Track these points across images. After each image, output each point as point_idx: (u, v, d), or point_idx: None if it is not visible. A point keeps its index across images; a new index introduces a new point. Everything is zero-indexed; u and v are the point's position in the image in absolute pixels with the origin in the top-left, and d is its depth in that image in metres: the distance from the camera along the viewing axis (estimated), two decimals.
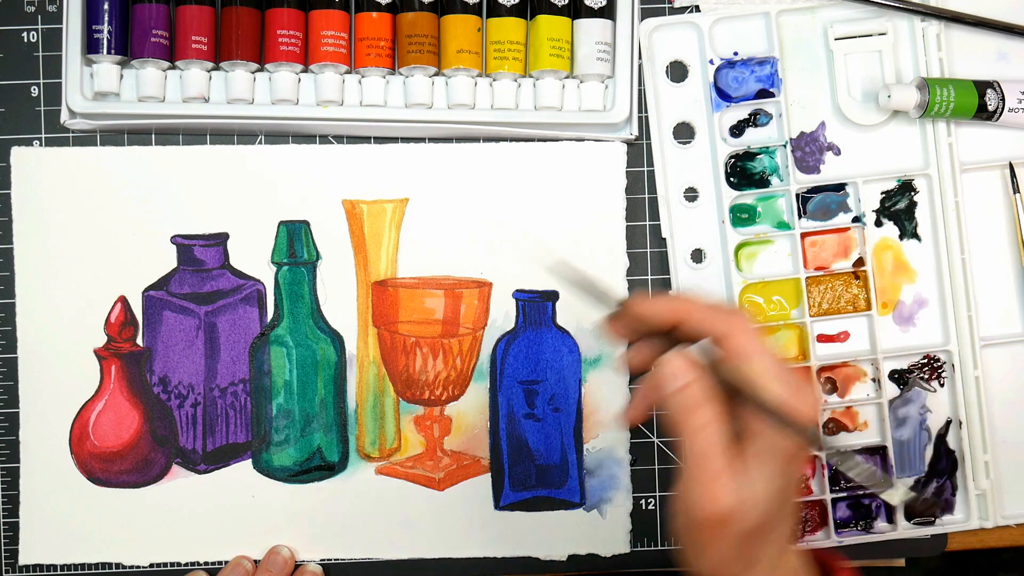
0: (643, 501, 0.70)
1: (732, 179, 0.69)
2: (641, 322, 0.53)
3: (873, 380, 0.70)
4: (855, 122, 0.69)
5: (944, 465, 0.70)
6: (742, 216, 0.69)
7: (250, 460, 0.69)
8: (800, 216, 0.69)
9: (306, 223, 0.69)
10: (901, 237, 0.70)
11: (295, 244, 0.68)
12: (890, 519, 0.70)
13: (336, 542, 0.69)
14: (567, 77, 0.68)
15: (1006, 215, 0.70)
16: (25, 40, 0.68)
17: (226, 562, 0.68)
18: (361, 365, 0.69)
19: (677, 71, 0.70)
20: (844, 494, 0.69)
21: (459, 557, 0.69)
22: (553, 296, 0.69)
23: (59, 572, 0.69)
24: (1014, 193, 0.69)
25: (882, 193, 0.70)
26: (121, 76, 0.67)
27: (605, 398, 0.69)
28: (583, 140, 0.69)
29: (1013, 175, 0.69)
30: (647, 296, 0.52)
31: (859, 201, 0.69)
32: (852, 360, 0.69)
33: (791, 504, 0.52)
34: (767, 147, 0.69)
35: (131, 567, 0.69)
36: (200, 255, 0.68)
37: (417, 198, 0.69)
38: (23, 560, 0.68)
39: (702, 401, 0.50)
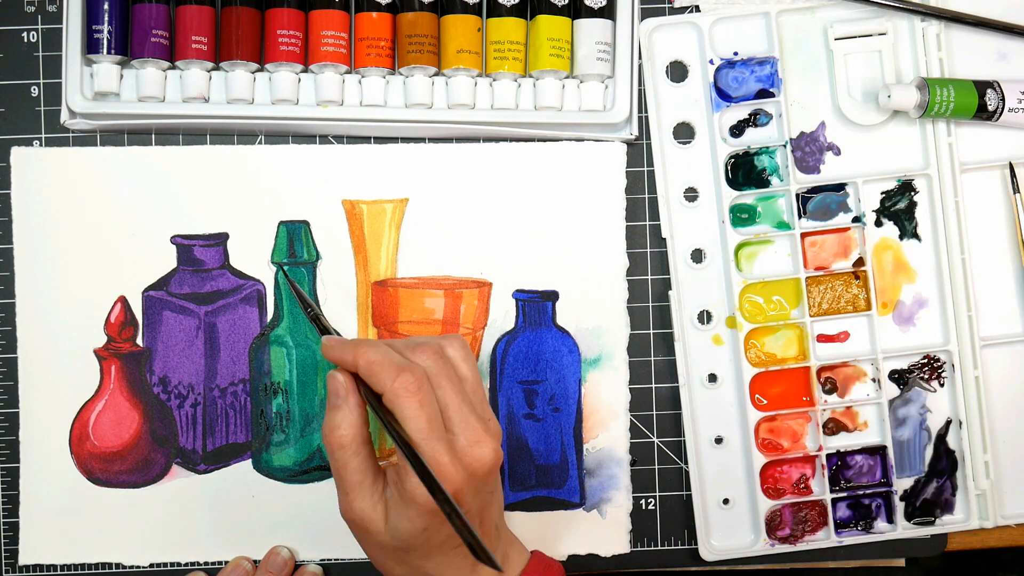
0: (643, 501, 0.70)
1: (734, 179, 0.69)
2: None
3: (873, 380, 0.70)
4: (855, 122, 0.69)
5: (944, 465, 0.70)
6: (742, 216, 0.69)
7: (250, 460, 0.69)
8: (800, 216, 0.69)
9: (306, 223, 0.69)
10: (901, 237, 0.70)
11: (295, 244, 0.68)
12: (890, 519, 0.70)
13: (336, 542, 0.69)
14: (567, 77, 0.68)
15: (1006, 215, 0.70)
16: (25, 40, 0.68)
17: (226, 562, 0.68)
18: None
19: (677, 71, 0.70)
20: (844, 494, 0.69)
21: None
22: (553, 296, 0.69)
23: (59, 572, 0.69)
24: (1014, 193, 0.69)
25: (882, 193, 0.70)
26: (121, 76, 0.67)
27: (605, 398, 0.69)
28: (583, 140, 0.69)
29: (1013, 175, 0.69)
30: (338, 341, 0.58)
31: (859, 201, 0.69)
32: (852, 360, 0.69)
33: (455, 536, 0.55)
34: (767, 147, 0.69)
35: (131, 567, 0.69)
36: (200, 255, 0.68)
37: (417, 198, 0.69)
38: (23, 560, 0.68)
39: (347, 423, 0.56)
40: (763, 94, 0.69)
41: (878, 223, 0.70)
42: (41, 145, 0.69)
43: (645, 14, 0.69)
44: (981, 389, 0.69)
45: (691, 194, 0.70)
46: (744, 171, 0.69)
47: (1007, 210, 0.70)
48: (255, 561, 0.68)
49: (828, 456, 0.69)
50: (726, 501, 0.70)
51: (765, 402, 0.69)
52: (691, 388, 0.69)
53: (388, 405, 0.55)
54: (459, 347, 0.58)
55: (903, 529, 0.70)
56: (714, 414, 0.70)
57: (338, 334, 0.61)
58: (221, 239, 0.68)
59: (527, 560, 0.61)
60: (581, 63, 0.67)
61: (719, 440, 0.70)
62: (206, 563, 0.69)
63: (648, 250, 0.70)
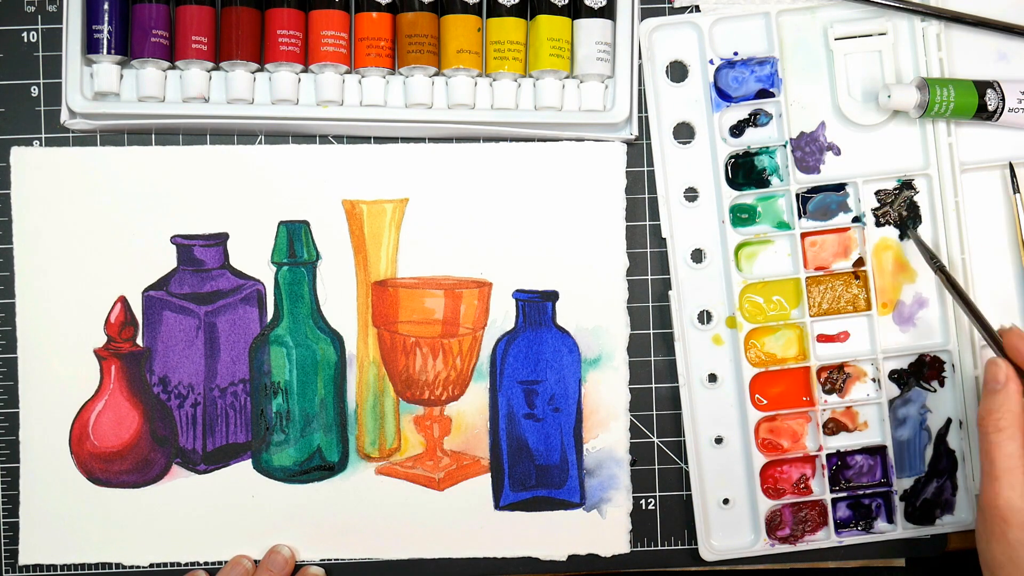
0: (643, 501, 0.70)
1: (734, 179, 0.69)
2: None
3: (873, 380, 0.70)
4: (855, 122, 0.69)
5: (944, 465, 0.70)
6: (742, 216, 0.69)
7: (250, 460, 0.69)
8: (800, 216, 0.69)
9: (306, 223, 0.69)
10: (901, 237, 0.70)
11: (295, 244, 0.68)
12: (890, 519, 0.70)
13: (336, 542, 0.69)
14: (567, 77, 0.68)
15: (1006, 215, 0.70)
16: (25, 40, 0.68)
17: (226, 562, 0.68)
18: (361, 365, 0.69)
19: (677, 71, 0.70)
20: (844, 494, 0.69)
21: (459, 557, 0.69)
22: (553, 296, 0.69)
23: (59, 572, 0.69)
24: (1014, 193, 0.69)
25: (882, 192, 0.70)
26: (121, 76, 0.67)
27: (605, 398, 0.69)
28: (583, 140, 0.69)
29: (1013, 175, 0.69)
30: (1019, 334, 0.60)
31: (859, 201, 0.69)
32: (852, 360, 0.69)
33: None
34: (767, 147, 0.69)
35: (131, 567, 0.69)
36: (200, 255, 0.68)
37: (417, 198, 0.69)
38: (23, 560, 0.68)
39: (1007, 408, 0.57)
40: (763, 94, 0.69)
41: (878, 223, 0.70)
42: (41, 145, 0.69)
43: (645, 14, 0.69)
44: (981, 389, 0.69)
45: (691, 194, 0.70)
46: (744, 171, 0.69)
47: (1007, 210, 0.70)
48: (255, 561, 0.68)
49: (828, 456, 0.69)
50: (726, 501, 0.70)
51: (765, 402, 0.69)
52: (691, 388, 0.69)
53: None
54: None
55: (903, 529, 0.70)
56: (714, 414, 0.70)
57: None
58: (221, 239, 0.68)
59: None
60: (581, 63, 0.67)
61: (719, 440, 0.70)
62: (206, 563, 0.69)
63: (648, 250, 0.70)
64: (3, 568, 0.68)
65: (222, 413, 0.69)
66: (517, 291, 0.69)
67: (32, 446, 0.68)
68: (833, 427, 0.70)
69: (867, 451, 0.70)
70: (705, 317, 0.70)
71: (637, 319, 0.70)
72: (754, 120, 0.69)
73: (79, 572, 0.69)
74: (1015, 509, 0.56)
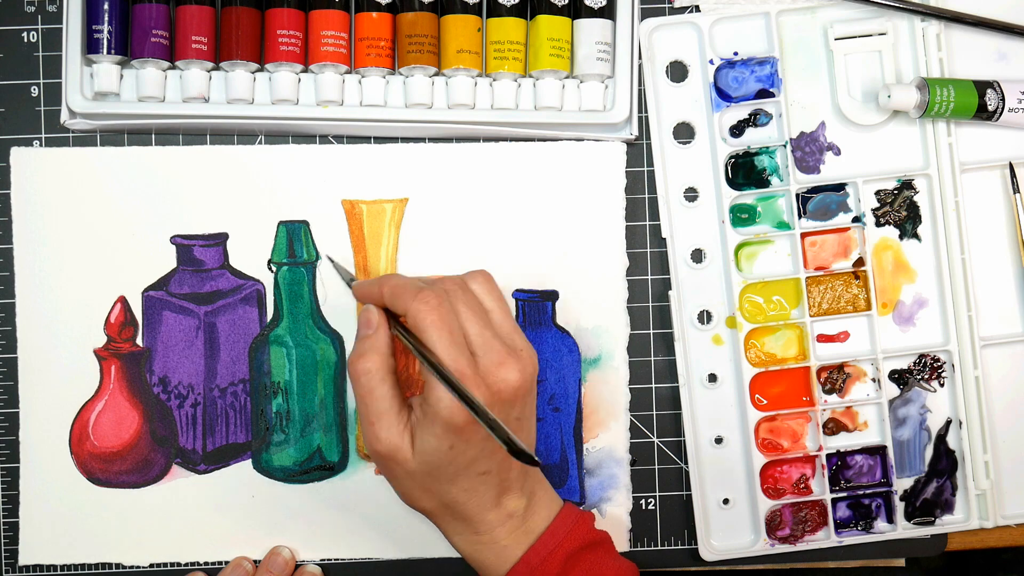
0: (643, 501, 0.70)
1: (734, 179, 0.69)
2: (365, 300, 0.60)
3: (873, 380, 0.70)
4: (855, 122, 0.69)
5: (944, 465, 0.70)
6: (742, 216, 0.69)
7: (250, 460, 0.69)
8: (800, 216, 0.69)
9: (306, 223, 0.69)
10: (901, 237, 0.70)
11: (295, 244, 0.68)
12: (890, 519, 0.70)
13: (336, 542, 0.69)
14: (567, 77, 0.68)
15: (1006, 215, 0.70)
16: (25, 40, 0.68)
17: (226, 562, 0.68)
18: None
19: (677, 71, 0.70)
20: (844, 494, 0.69)
21: (459, 557, 0.69)
22: (553, 296, 0.69)
23: (59, 572, 0.69)
24: (1014, 193, 0.69)
25: (882, 192, 0.70)
26: (121, 76, 0.67)
27: (605, 398, 0.69)
28: (583, 140, 0.69)
29: (1013, 175, 0.69)
30: (366, 280, 0.60)
31: (859, 201, 0.69)
32: (852, 360, 0.69)
33: (480, 460, 0.57)
34: (767, 147, 0.69)
35: (131, 567, 0.69)
36: (200, 255, 0.68)
37: (417, 198, 0.69)
38: (23, 560, 0.68)
39: (374, 350, 0.57)
40: (763, 94, 0.69)
41: (878, 223, 0.70)
42: (41, 145, 0.69)
43: (645, 14, 0.69)
44: (981, 389, 0.69)
45: (691, 194, 0.70)
46: (744, 171, 0.69)
47: (1007, 210, 0.70)
48: (255, 561, 0.68)
49: (828, 456, 0.69)
50: (726, 501, 0.70)
51: (765, 402, 0.69)
52: (691, 388, 0.69)
53: (410, 325, 0.56)
54: (482, 281, 0.60)
55: (903, 529, 0.70)
56: (714, 414, 0.70)
57: None
58: (221, 239, 0.68)
59: (559, 508, 0.61)
60: (581, 63, 0.67)
61: (719, 440, 0.70)
62: (206, 563, 0.69)
63: (648, 250, 0.70)
64: (3, 568, 0.68)
65: (222, 413, 0.69)
66: (517, 291, 0.69)
67: (32, 446, 0.68)
68: (833, 427, 0.70)
69: (867, 451, 0.70)
70: (705, 317, 0.70)
71: (637, 319, 0.70)
72: (754, 120, 0.69)
73: (79, 572, 0.69)
74: (397, 447, 0.56)
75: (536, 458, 0.51)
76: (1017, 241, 0.70)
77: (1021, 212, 0.69)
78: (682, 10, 0.70)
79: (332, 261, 0.68)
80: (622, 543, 0.69)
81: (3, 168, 0.68)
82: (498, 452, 0.57)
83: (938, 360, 0.70)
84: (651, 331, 0.70)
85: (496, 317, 0.58)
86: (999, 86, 0.67)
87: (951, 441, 0.70)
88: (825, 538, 0.69)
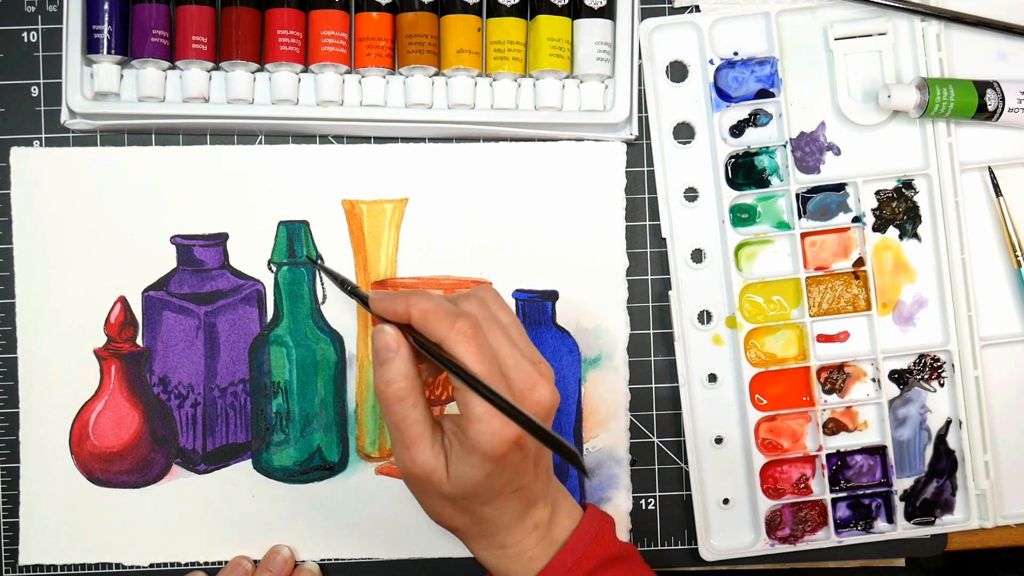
0: (643, 501, 0.70)
1: (734, 179, 0.69)
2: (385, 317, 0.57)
3: (873, 380, 0.70)
4: (855, 122, 0.69)
5: (944, 465, 0.70)
6: (742, 216, 0.69)
7: (250, 460, 0.69)
8: (800, 216, 0.69)
9: (306, 223, 0.69)
10: (901, 237, 0.70)
11: (295, 244, 0.68)
12: (890, 519, 0.70)
13: (336, 542, 0.69)
14: (567, 77, 0.68)
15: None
16: (25, 40, 0.68)
17: (226, 562, 0.68)
18: (361, 365, 0.69)
19: (677, 71, 0.70)
20: (844, 494, 0.69)
21: (459, 557, 0.69)
22: (553, 296, 0.69)
23: (59, 572, 0.69)
24: (997, 196, 0.69)
25: (882, 192, 0.70)
26: (121, 76, 0.67)
27: (605, 398, 0.69)
28: (583, 140, 0.69)
29: (994, 178, 0.69)
30: (387, 293, 0.57)
31: (859, 201, 0.69)
32: (852, 360, 0.69)
33: (515, 479, 0.56)
34: (767, 147, 0.69)
35: (131, 567, 0.69)
36: (200, 255, 0.68)
37: (417, 198, 0.69)
38: (23, 560, 0.68)
39: (402, 376, 0.55)
40: (763, 94, 0.69)
41: (880, 228, 0.70)
42: (41, 145, 0.69)
43: (645, 14, 0.69)
44: (981, 389, 0.69)
45: (691, 194, 0.70)
46: (744, 171, 0.69)
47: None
48: (255, 561, 0.68)
49: (828, 456, 0.69)
50: (726, 501, 0.70)
51: (765, 402, 0.69)
52: (691, 388, 0.69)
53: (447, 353, 0.54)
54: (493, 296, 0.58)
55: (903, 529, 0.70)
56: (714, 414, 0.70)
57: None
58: (221, 239, 0.68)
59: (580, 515, 0.61)
60: (581, 63, 0.67)
61: (719, 440, 0.70)
62: (206, 563, 0.69)
63: (648, 250, 0.70)
64: (3, 568, 0.68)
65: (222, 413, 0.69)
66: (517, 291, 0.69)
67: (32, 446, 0.68)
68: (833, 427, 0.70)
69: (867, 451, 0.70)
70: (705, 317, 0.70)
71: (637, 319, 0.70)
72: (754, 120, 0.69)
73: (79, 572, 0.69)
74: (433, 468, 0.55)
75: (587, 470, 0.51)
76: (1006, 243, 0.69)
77: (1006, 215, 0.69)
78: (682, 10, 0.70)
79: (323, 267, 0.67)
80: None
81: (3, 168, 0.68)
82: (530, 470, 0.56)
83: (938, 360, 0.70)
84: (651, 331, 0.70)
85: (513, 332, 0.57)
86: (999, 86, 0.67)
87: (951, 441, 0.70)
88: (825, 538, 0.69)
